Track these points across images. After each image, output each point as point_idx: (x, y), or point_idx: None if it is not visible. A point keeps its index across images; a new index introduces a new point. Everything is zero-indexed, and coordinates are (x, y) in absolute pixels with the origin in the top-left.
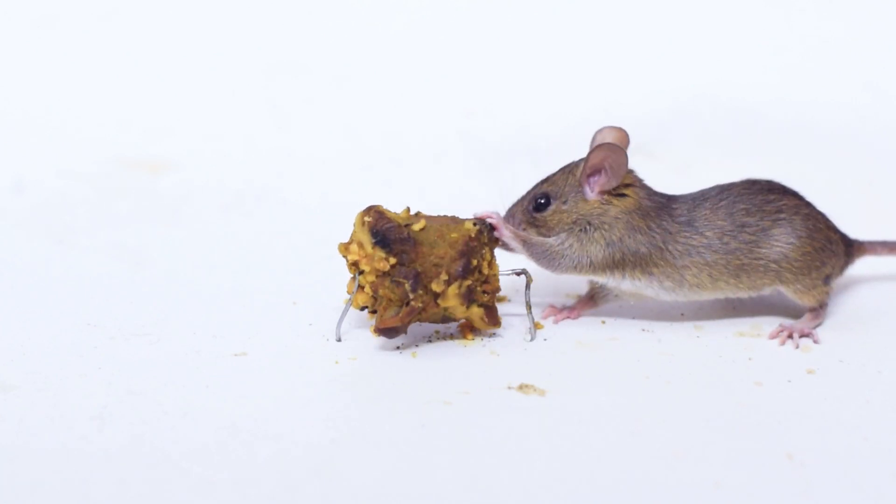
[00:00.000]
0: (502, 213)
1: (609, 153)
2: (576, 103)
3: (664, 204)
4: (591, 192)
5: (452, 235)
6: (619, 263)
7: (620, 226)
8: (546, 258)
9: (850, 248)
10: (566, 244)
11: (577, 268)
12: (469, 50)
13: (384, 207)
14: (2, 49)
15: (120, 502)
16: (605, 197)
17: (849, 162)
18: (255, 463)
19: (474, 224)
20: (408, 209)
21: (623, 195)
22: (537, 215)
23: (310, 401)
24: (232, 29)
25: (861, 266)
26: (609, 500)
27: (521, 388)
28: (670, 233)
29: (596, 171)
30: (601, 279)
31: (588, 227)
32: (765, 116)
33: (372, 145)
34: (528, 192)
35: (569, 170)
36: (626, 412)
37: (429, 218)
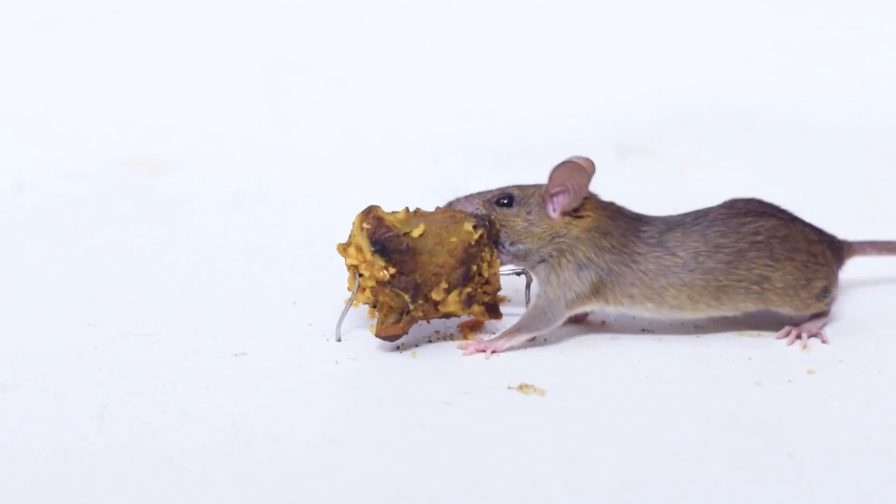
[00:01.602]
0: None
1: (572, 173)
2: (575, 103)
3: (630, 226)
4: (554, 212)
5: (452, 240)
6: (598, 286)
7: (585, 245)
8: (542, 319)
9: (840, 252)
10: (545, 281)
11: (568, 305)
12: (468, 50)
13: (382, 210)
14: (2, 49)
15: (120, 502)
16: (567, 218)
17: (849, 162)
18: (255, 463)
19: (474, 227)
20: (406, 209)
21: (581, 216)
22: (498, 208)
23: (310, 401)
24: (232, 29)
25: (861, 266)
26: (609, 499)
27: (521, 388)
28: (639, 253)
29: (558, 191)
30: (589, 307)
31: (554, 253)
32: (764, 117)
33: (372, 145)
34: (497, 189)
35: (537, 186)
36: (626, 412)
37: (427, 217)
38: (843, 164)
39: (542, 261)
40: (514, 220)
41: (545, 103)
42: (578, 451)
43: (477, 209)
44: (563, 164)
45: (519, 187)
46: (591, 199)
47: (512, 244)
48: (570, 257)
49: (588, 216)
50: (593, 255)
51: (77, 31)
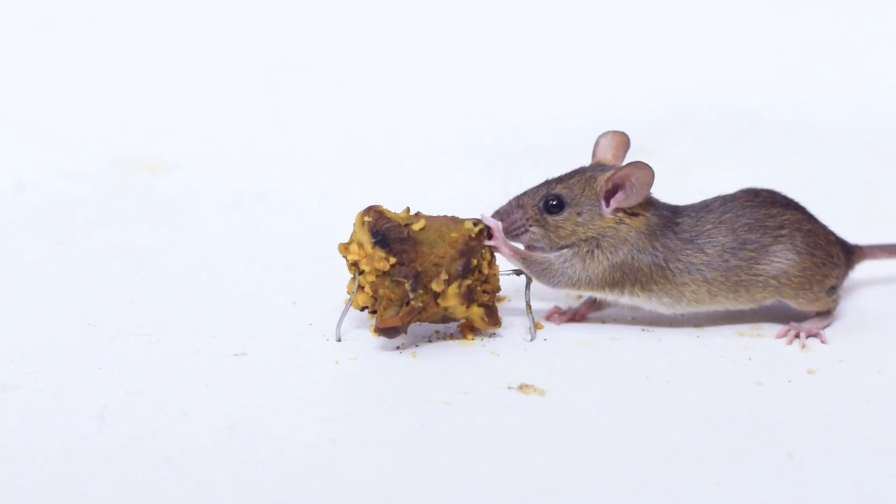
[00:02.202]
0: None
1: (637, 172)
2: (576, 103)
3: (669, 219)
4: (607, 208)
5: (452, 235)
6: (618, 281)
7: (627, 247)
8: (546, 275)
9: (851, 256)
10: (568, 263)
11: (575, 284)
12: (468, 50)
13: (384, 207)
14: (2, 49)
15: (120, 502)
16: (619, 215)
17: (849, 162)
18: (255, 463)
19: (475, 224)
20: (408, 209)
21: (636, 214)
22: (548, 217)
23: (310, 401)
24: (232, 29)
25: (861, 266)
26: (609, 499)
27: (521, 388)
28: (672, 251)
29: (617, 188)
30: (599, 295)
31: (595, 249)
32: (765, 117)
33: (372, 145)
34: (540, 188)
35: (586, 178)
36: (626, 412)
37: (429, 218)
38: (843, 164)
39: (569, 247)
40: (562, 227)
41: (545, 103)
42: (578, 451)
43: (527, 220)
44: (632, 164)
45: (564, 184)
46: (648, 196)
47: (554, 241)
48: (606, 255)
49: (641, 215)
50: (630, 259)
51: (77, 31)
